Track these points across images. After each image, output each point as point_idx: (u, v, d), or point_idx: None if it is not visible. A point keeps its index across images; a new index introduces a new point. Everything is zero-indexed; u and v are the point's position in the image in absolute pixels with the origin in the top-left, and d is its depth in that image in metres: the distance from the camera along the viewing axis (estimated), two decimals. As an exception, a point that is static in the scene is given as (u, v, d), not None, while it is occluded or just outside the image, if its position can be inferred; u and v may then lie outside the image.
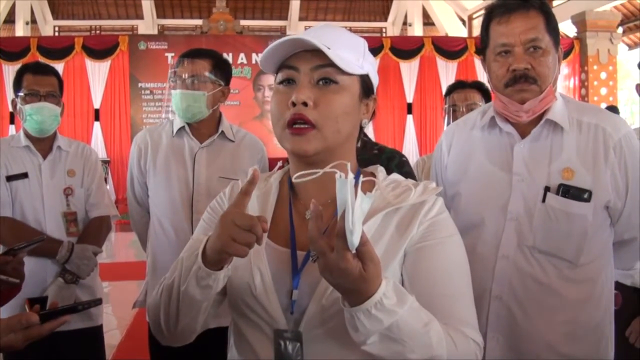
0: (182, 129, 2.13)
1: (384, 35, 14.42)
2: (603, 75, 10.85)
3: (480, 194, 1.53)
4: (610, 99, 10.68)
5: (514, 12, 1.43)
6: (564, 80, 11.05)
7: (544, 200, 1.44)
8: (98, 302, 1.35)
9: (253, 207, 1.03)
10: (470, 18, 13.64)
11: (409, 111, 11.08)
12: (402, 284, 0.94)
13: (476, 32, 12.73)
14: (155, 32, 14.21)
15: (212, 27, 11.52)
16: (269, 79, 10.23)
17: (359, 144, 1.07)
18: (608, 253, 1.52)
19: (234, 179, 1.18)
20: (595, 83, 10.84)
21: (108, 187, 2.96)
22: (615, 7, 11.12)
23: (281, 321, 0.95)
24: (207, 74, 2.09)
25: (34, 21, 13.67)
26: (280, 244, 1.00)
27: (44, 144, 2.28)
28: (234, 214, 0.85)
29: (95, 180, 2.36)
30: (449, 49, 10.96)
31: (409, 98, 11.06)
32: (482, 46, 1.54)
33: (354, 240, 0.75)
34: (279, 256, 0.99)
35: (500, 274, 1.48)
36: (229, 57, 8.22)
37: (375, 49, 9.94)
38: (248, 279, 0.97)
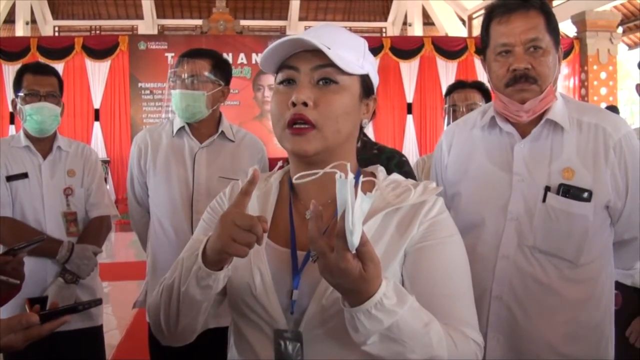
0: (182, 128, 2.13)
1: (384, 35, 14.42)
2: (603, 75, 10.85)
3: (481, 194, 1.53)
4: (610, 98, 10.68)
5: (514, 12, 1.43)
6: (564, 80, 11.05)
7: (544, 200, 1.44)
8: (98, 302, 1.35)
9: (253, 207, 1.03)
10: (470, 18, 13.64)
11: (409, 111, 11.08)
12: (403, 284, 0.94)
13: (476, 32, 12.73)
14: (155, 32, 14.21)
15: (212, 27, 11.52)
16: (269, 79, 10.23)
17: (358, 144, 1.07)
18: (608, 253, 1.52)
19: (234, 179, 1.18)
20: (595, 83, 10.84)
21: (108, 187, 2.96)
22: (615, 7, 11.12)
23: (281, 321, 0.95)
24: (206, 73, 2.09)
25: (34, 21, 13.67)
26: (281, 244, 1.00)
27: (44, 144, 2.28)
28: (234, 214, 0.85)
29: (95, 180, 2.36)
30: (449, 49, 10.96)
31: (409, 98, 11.06)
32: (482, 46, 1.54)
33: (354, 240, 0.75)
34: (279, 256, 0.99)
35: (501, 274, 1.48)
36: (228, 57, 8.21)
37: (375, 49, 9.94)
38: (248, 279, 0.97)
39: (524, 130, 1.51)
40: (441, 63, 10.99)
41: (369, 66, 1.01)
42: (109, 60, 10.32)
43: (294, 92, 0.94)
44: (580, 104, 1.57)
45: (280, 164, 1.17)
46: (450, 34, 12.96)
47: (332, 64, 0.93)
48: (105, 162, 9.39)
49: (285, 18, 15.02)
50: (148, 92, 10.51)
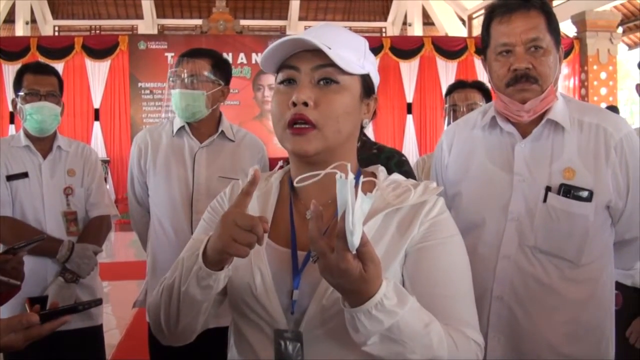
0: (182, 128, 2.13)
1: (383, 35, 14.42)
2: (603, 75, 10.85)
3: (481, 194, 1.53)
4: (610, 99, 10.68)
5: (515, 12, 1.43)
6: (564, 80, 11.05)
7: (545, 200, 1.44)
8: (98, 302, 1.35)
9: (253, 207, 1.03)
10: (470, 18, 13.64)
11: (409, 111, 11.08)
12: (403, 285, 0.94)
13: (476, 32, 12.73)
14: (155, 32, 14.21)
15: (212, 27, 11.52)
16: (269, 79, 10.23)
17: (358, 144, 1.07)
18: (609, 253, 1.52)
19: (234, 179, 1.18)
20: (595, 83, 10.84)
21: (108, 186, 2.96)
22: (615, 7, 11.12)
23: (281, 321, 0.95)
24: (206, 73, 2.09)
25: (33, 21, 13.66)
26: (281, 244, 1.00)
27: (44, 143, 2.28)
28: (234, 214, 0.85)
29: (95, 180, 2.36)
30: (448, 48, 10.96)
31: (409, 98, 11.05)
32: (483, 46, 1.54)
33: (354, 241, 0.75)
34: (279, 256, 0.99)
35: (502, 274, 1.48)
36: (228, 57, 8.21)
37: (375, 49, 9.93)
38: (248, 279, 0.97)
39: (524, 130, 1.51)
40: (441, 63, 10.98)
41: (370, 66, 1.01)
42: (109, 60, 10.31)
43: (294, 92, 0.94)
44: (581, 104, 1.57)
45: (280, 163, 1.17)
46: (450, 34, 12.96)
47: (332, 64, 0.93)
48: (105, 162, 9.39)
49: (285, 18, 15.02)
50: (148, 91, 10.51)
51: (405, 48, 10.89)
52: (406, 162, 1.82)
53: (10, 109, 8.00)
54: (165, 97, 9.99)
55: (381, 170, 1.07)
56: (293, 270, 0.96)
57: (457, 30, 13.51)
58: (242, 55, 10.62)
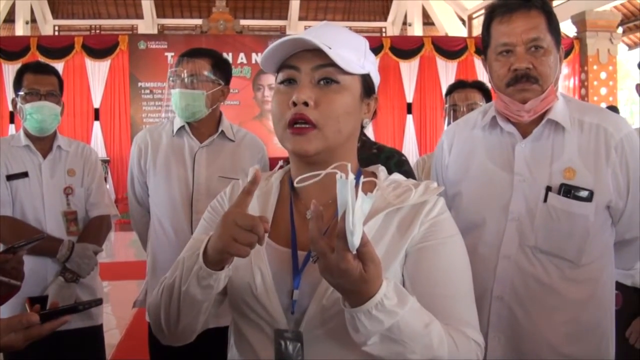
0: (182, 128, 2.13)
1: (383, 35, 14.41)
2: (603, 75, 10.85)
3: (482, 194, 1.53)
4: (610, 99, 10.68)
5: (516, 12, 1.43)
6: (564, 80, 11.05)
7: (545, 200, 1.44)
8: (99, 302, 1.35)
9: (254, 207, 1.02)
10: (470, 18, 13.64)
11: (409, 111, 11.08)
12: (403, 285, 0.94)
13: (476, 32, 12.73)
14: (155, 31, 14.21)
15: (212, 26, 11.51)
16: (269, 79, 10.23)
17: (358, 144, 1.07)
18: (609, 253, 1.52)
19: (234, 179, 1.18)
20: (595, 83, 10.84)
21: (108, 186, 2.96)
22: (615, 7, 11.12)
23: (282, 321, 0.95)
24: (206, 73, 2.08)
25: (33, 20, 13.66)
26: (281, 243, 1.00)
27: (44, 143, 2.28)
28: (235, 214, 0.85)
29: (95, 179, 2.36)
30: (448, 48, 10.96)
31: (409, 98, 11.05)
32: (483, 46, 1.54)
33: (355, 241, 0.75)
34: (279, 256, 0.99)
35: (502, 274, 1.48)
36: (228, 56, 8.19)
37: (375, 49, 9.92)
38: (249, 278, 0.97)
39: (525, 130, 1.51)
40: (441, 63, 10.98)
41: (370, 65, 1.00)
42: (109, 59, 10.31)
43: (294, 91, 0.94)
44: (582, 104, 1.57)
45: (280, 163, 1.17)
46: (450, 34, 12.95)
47: (333, 64, 0.93)
48: (105, 162, 9.39)
49: (285, 18, 15.02)
50: (148, 91, 10.51)
51: (405, 48, 10.89)
52: (406, 161, 1.82)
53: (10, 108, 8.01)
54: (165, 96, 9.99)
55: (381, 170, 1.07)
56: (293, 270, 0.96)
57: (457, 30, 13.51)
58: (242, 55, 10.62)
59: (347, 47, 0.97)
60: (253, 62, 10.51)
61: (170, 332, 0.99)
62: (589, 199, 1.42)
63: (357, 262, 0.77)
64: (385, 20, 15.57)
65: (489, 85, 1.82)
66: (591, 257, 1.46)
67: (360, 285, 0.78)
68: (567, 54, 10.32)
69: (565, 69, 10.89)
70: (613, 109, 6.27)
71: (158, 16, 14.72)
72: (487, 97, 2.49)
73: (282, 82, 0.98)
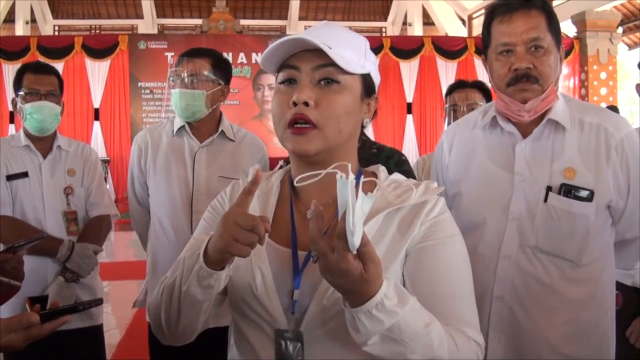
0: (182, 128, 2.13)
1: (383, 35, 14.40)
2: (603, 75, 10.84)
3: (482, 194, 1.53)
4: (610, 99, 10.68)
5: (516, 12, 1.43)
6: (564, 80, 11.05)
7: (545, 200, 1.44)
8: (99, 301, 1.35)
9: (254, 207, 1.02)
10: (470, 18, 13.63)
11: (409, 111, 11.08)
12: (404, 285, 0.94)
13: (476, 32, 12.73)
14: (155, 31, 14.20)
15: (212, 26, 11.51)
16: (269, 79, 10.23)
17: (358, 144, 1.07)
18: (610, 253, 1.52)
19: (234, 179, 1.18)
20: (595, 83, 10.84)
21: (108, 186, 2.96)
22: (615, 7, 11.11)
23: (282, 321, 0.95)
24: (206, 73, 2.08)
25: (33, 20, 13.66)
26: (282, 243, 1.00)
27: (44, 143, 2.28)
28: (236, 213, 0.85)
29: (95, 179, 2.36)
30: (448, 48, 10.96)
31: (409, 98, 11.05)
32: (483, 45, 1.54)
33: (355, 241, 0.75)
34: (280, 256, 0.99)
35: (502, 274, 1.48)
36: (228, 56, 8.17)
37: (375, 49, 9.83)
38: (249, 278, 0.97)
39: (525, 130, 1.51)
40: (441, 63, 10.98)
41: (371, 65, 1.00)
42: (109, 59, 10.31)
43: (295, 91, 0.94)
44: (582, 104, 1.56)
45: (281, 163, 1.17)
46: (450, 34, 12.95)
47: (333, 64, 0.93)
48: (105, 162, 9.39)
49: (285, 18, 15.02)
50: (148, 91, 10.51)
51: (405, 48, 10.89)
52: (406, 161, 1.82)
53: (10, 108, 8.02)
54: (165, 96, 9.98)
55: (382, 170, 1.07)
56: (294, 270, 0.96)
57: (457, 30, 13.51)
58: (242, 55, 10.62)
59: (348, 46, 0.96)
60: (253, 62, 10.51)
61: (170, 332, 0.99)
62: (589, 198, 1.42)
63: (357, 262, 0.77)
64: (385, 20, 15.57)
65: (489, 85, 1.82)
66: (592, 257, 1.46)
67: (361, 285, 0.78)
68: (567, 54, 10.31)
69: (565, 69, 10.89)
70: (613, 109, 6.26)
71: (158, 16, 14.72)
72: (487, 97, 2.49)
73: (282, 82, 0.98)
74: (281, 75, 0.98)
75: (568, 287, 1.45)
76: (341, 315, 0.84)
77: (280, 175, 1.08)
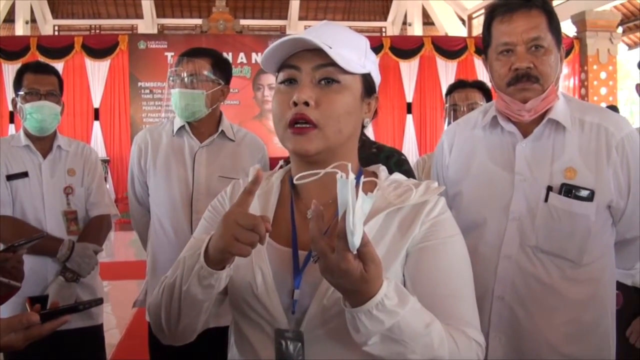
0: (182, 128, 2.13)
1: (383, 34, 14.40)
2: (603, 75, 10.84)
3: (482, 194, 1.53)
4: (610, 98, 10.68)
5: (516, 11, 1.43)
6: (564, 80, 11.04)
7: (546, 200, 1.44)
8: (99, 301, 1.35)
9: (254, 207, 1.02)
10: (470, 18, 13.63)
11: (409, 111, 11.07)
12: (404, 284, 0.94)
13: (476, 31, 12.73)
14: (155, 31, 14.20)
15: (212, 26, 11.51)
16: (269, 79, 10.23)
17: (358, 143, 1.07)
18: (610, 253, 1.52)
19: (234, 179, 1.18)
20: (595, 83, 10.84)
21: (108, 186, 2.97)
22: (615, 7, 11.11)
23: (282, 321, 0.95)
24: (206, 72, 2.08)
25: (33, 20, 13.65)
26: (282, 243, 1.00)
27: (44, 143, 2.28)
28: (237, 213, 0.85)
29: (95, 179, 2.36)
30: (448, 48, 10.95)
31: (409, 98, 11.05)
32: (484, 45, 1.54)
33: (355, 241, 0.75)
34: (280, 256, 0.99)
35: (503, 274, 1.48)
36: (228, 56, 8.15)
37: (375, 49, 9.78)
38: (249, 278, 0.97)
39: (525, 130, 1.50)
40: (441, 63, 10.98)
41: (371, 65, 1.00)
42: (109, 59, 10.31)
43: (295, 91, 0.94)
44: (582, 104, 1.56)
45: (281, 163, 1.17)
46: (450, 34, 12.95)
47: (333, 63, 0.93)
48: (105, 162, 9.39)
49: (285, 17, 15.02)
50: (148, 91, 10.50)
51: (405, 48, 10.89)
52: (406, 161, 1.82)
53: (10, 108, 8.02)
54: (165, 96, 9.98)
55: (382, 169, 1.07)
56: (294, 269, 0.96)
57: (457, 30, 13.51)
58: (242, 54, 10.61)
59: (348, 46, 0.96)
60: (253, 61, 10.51)
61: (170, 331, 0.99)
62: (589, 198, 1.42)
63: (357, 262, 0.77)
64: (385, 20, 15.57)
65: (489, 84, 1.82)
66: (592, 257, 1.46)
67: (361, 285, 0.78)
68: (567, 54, 10.29)
69: (565, 69, 10.88)
70: (613, 108, 6.26)
71: (158, 16, 14.72)
72: (488, 96, 2.49)
73: (282, 82, 0.98)
74: (281, 75, 0.98)
75: (568, 287, 1.45)
76: (341, 315, 0.84)
77: (281, 175, 1.08)
